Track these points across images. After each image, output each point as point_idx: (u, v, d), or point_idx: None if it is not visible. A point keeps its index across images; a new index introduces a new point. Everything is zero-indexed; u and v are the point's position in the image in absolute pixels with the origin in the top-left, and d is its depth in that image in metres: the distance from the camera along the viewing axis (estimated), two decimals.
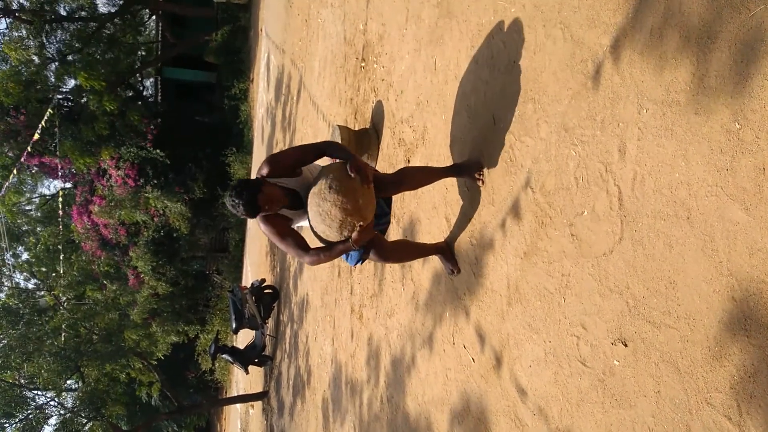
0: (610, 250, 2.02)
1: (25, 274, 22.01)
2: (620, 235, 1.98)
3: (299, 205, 2.81)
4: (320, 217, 2.63)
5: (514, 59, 2.68)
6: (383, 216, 3.03)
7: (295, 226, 2.94)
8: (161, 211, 16.06)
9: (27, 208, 23.66)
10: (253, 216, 2.67)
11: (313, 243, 2.83)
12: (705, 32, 1.69)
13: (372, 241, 2.93)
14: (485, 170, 2.88)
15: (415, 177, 3.00)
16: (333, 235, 2.65)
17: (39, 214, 23.56)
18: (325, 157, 2.83)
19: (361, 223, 2.61)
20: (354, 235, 2.62)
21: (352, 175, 2.57)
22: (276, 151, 10.79)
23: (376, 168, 4.56)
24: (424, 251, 3.26)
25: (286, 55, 10.15)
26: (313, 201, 2.65)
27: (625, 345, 1.92)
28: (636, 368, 1.87)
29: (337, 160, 2.74)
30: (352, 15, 5.68)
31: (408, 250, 3.22)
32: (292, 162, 2.79)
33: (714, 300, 1.62)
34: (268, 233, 2.81)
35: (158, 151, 15.19)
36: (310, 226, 2.74)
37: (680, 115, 1.76)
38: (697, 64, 1.71)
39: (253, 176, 2.85)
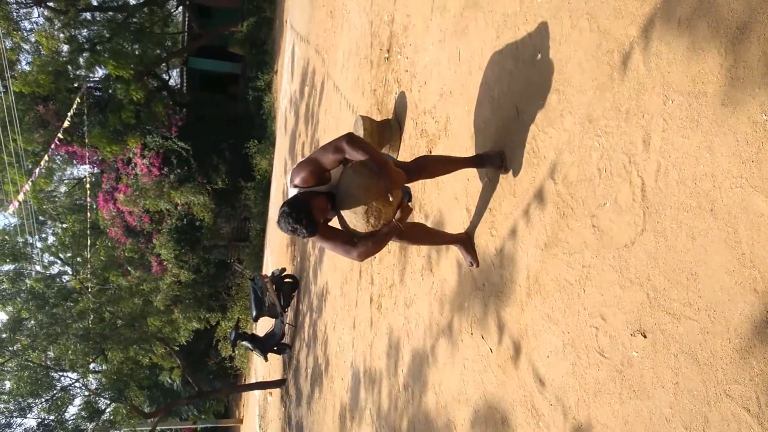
0: (632, 242, 2.02)
1: (51, 258, 22.54)
2: (642, 227, 1.98)
3: (332, 206, 2.82)
4: (356, 217, 2.70)
5: (539, 50, 2.67)
6: (405, 197, 3.07)
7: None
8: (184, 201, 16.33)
9: (54, 194, 24.15)
10: (315, 233, 2.65)
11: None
12: (734, 23, 1.68)
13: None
14: (507, 161, 2.88)
15: (433, 165, 3.01)
16: (370, 228, 2.75)
17: (67, 200, 24.03)
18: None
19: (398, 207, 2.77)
20: (399, 215, 2.76)
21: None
22: (297, 142, 10.86)
23: (397, 159, 4.58)
24: (442, 238, 3.28)
25: (310, 47, 10.19)
26: (346, 205, 2.70)
27: (645, 336, 1.92)
28: (655, 359, 1.87)
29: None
30: (378, 6, 5.68)
31: (425, 235, 3.22)
32: (320, 168, 2.74)
33: (736, 292, 1.61)
34: (322, 243, 2.82)
35: (182, 144, 15.41)
36: (344, 224, 2.79)
37: (706, 107, 1.75)
38: (725, 54, 1.70)
39: (288, 183, 2.82)
